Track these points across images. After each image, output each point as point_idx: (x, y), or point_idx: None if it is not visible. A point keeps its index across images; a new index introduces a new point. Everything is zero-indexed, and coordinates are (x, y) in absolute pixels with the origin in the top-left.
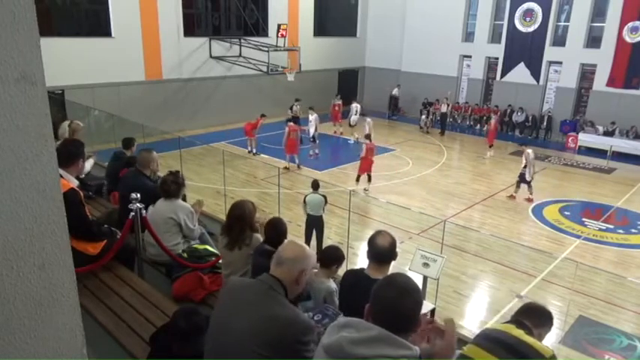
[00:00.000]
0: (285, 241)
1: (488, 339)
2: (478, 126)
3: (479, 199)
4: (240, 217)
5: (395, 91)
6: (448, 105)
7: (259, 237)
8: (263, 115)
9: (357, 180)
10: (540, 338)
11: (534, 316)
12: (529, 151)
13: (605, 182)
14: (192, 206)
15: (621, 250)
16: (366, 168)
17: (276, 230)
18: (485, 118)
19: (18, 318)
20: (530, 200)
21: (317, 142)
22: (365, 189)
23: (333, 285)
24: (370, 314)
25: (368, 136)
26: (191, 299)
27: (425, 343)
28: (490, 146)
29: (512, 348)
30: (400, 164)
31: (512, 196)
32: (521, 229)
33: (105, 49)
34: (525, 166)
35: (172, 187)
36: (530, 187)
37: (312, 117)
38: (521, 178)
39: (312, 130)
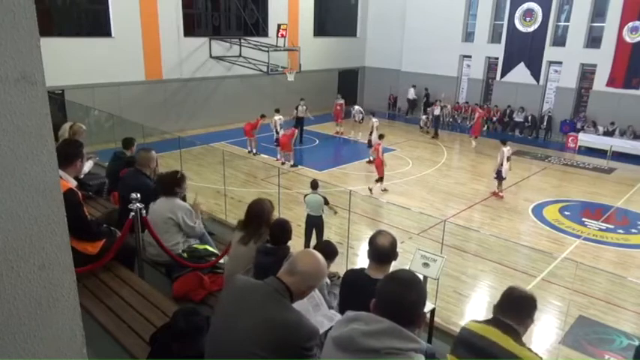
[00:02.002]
0: (304, 250)
1: (474, 351)
2: None
3: (479, 199)
4: (259, 215)
5: (411, 93)
6: (442, 107)
7: None
8: (263, 116)
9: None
10: (526, 327)
11: (517, 311)
12: (506, 148)
13: (605, 182)
14: (190, 205)
15: (621, 250)
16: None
17: (282, 230)
18: (486, 118)
19: (18, 318)
20: (498, 195)
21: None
22: (370, 188)
23: (326, 279)
24: (375, 309)
25: (380, 136)
26: (191, 299)
27: None
28: (475, 137)
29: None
30: (400, 164)
31: (496, 193)
32: (521, 229)
33: (105, 49)
34: (502, 164)
35: (166, 183)
36: (500, 184)
37: (277, 118)
38: (498, 175)
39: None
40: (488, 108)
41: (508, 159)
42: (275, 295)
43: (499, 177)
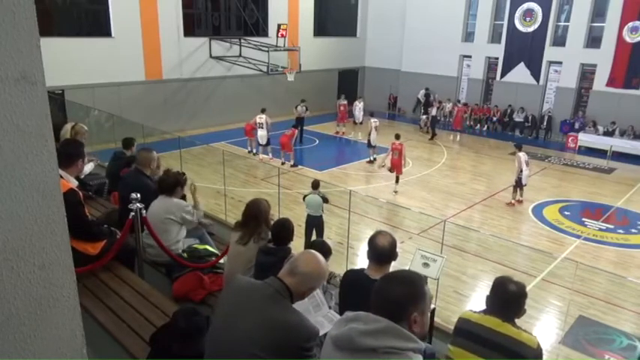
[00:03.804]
0: (305, 251)
1: (475, 339)
2: (478, 126)
3: (479, 199)
4: (256, 215)
5: (421, 94)
6: (438, 107)
7: None
8: None
9: (397, 181)
10: (521, 315)
11: (513, 305)
12: (522, 153)
13: (605, 182)
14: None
15: (621, 250)
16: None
17: (283, 230)
18: (486, 117)
19: (18, 318)
20: (515, 203)
21: (269, 146)
22: (394, 191)
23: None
24: (374, 308)
25: (397, 136)
26: (191, 299)
27: None
28: (456, 130)
29: (500, 346)
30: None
31: (511, 203)
32: (521, 229)
33: (105, 49)
34: (522, 170)
35: (168, 182)
36: (521, 190)
37: (257, 117)
38: (518, 183)
39: (261, 134)
40: (485, 108)
41: (527, 163)
42: (275, 295)
43: (519, 185)
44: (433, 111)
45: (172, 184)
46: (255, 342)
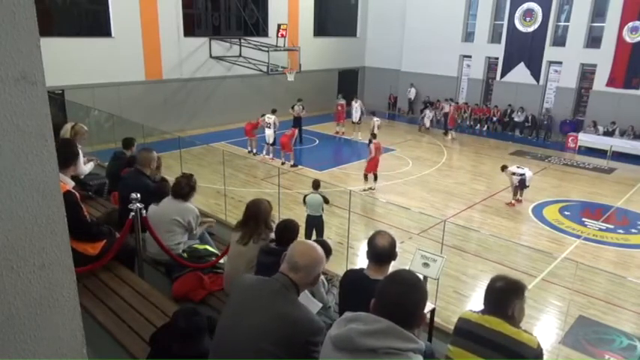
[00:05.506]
0: (296, 242)
1: (475, 339)
2: (478, 126)
3: (479, 199)
4: (256, 215)
5: (411, 93)
6: (451, 105)
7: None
8: (264, 116)
9: (366, 178)
10: (520, 309)
11: (505, 301)
12: (508, 169)
13: (605, 182)
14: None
15: (621, 250)
16: (372, 167)
17: (286, 231)
18: (486, 118)
19: (18, 318)
20: (519, 202)
21: (275, 146)
22: (371, 188)
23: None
24: (376, 309)
25: (374, 135)
26: (191, 299)
27: None
28: (450, 129)
29: (500, 346)
30: (400, 164)
31: (511, 203)
32: (521, 229)
33: (105, 49)
34: (522, 173)
35: (185, 189)
36: (522, 190)
37: (266, 117)
38: (521, 183)
39: (268, 133)
40: (485, 108)
41: (521, 168)
42: (282, 290)
43: (522, 186)
44: (446, 108)
45: (188, 192)
46: (263, 337)
